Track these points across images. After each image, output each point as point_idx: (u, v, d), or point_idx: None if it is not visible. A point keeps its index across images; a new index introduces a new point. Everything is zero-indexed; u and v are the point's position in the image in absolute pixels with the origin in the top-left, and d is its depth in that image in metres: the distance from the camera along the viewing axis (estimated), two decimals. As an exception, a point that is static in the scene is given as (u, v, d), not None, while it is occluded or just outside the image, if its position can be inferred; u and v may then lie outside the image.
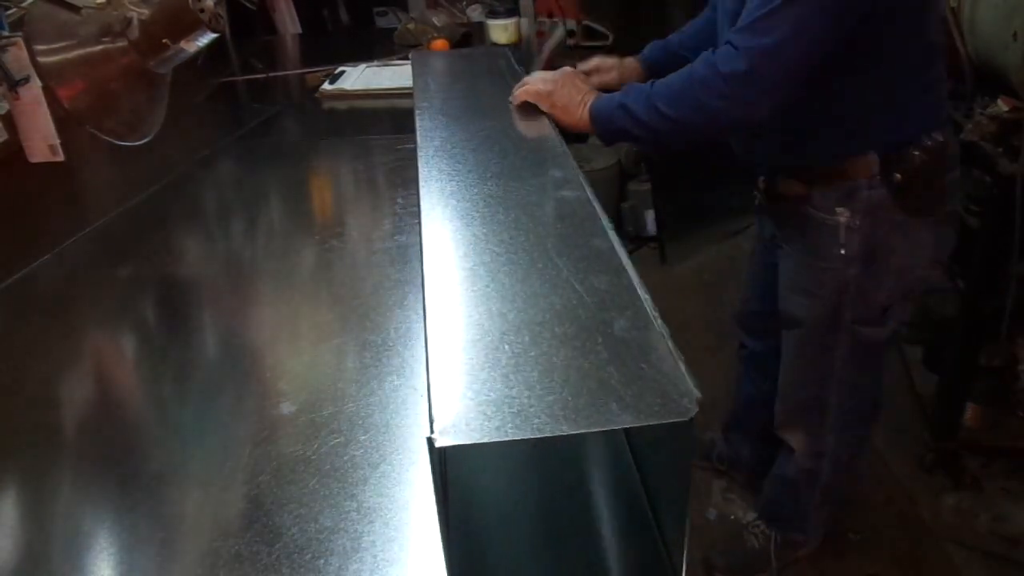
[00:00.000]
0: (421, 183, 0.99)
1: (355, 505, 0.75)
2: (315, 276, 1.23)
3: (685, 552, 0.62)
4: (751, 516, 1.89)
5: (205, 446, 0.87)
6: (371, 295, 1.11)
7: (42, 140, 1.13)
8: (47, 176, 1.18)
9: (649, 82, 1.23)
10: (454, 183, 0.99)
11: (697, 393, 0.58)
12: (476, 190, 0.96)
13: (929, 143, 1.24)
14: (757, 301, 1.72)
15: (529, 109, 1.29)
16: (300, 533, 0.73)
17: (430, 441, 0.55)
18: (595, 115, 1.25)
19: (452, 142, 1.13)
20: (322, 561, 0.70)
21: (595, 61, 1.54)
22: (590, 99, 1.27)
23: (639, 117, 1.20)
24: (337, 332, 1.04)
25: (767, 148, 1.37)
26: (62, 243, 1.34)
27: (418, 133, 1.17)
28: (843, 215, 1.27)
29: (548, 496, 0.78)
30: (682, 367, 0.61)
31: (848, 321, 1.36)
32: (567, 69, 1.36)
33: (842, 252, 1.29)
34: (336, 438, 0.84)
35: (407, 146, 1.54)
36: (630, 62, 1.54)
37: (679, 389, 0.59)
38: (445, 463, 0.59)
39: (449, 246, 0.85)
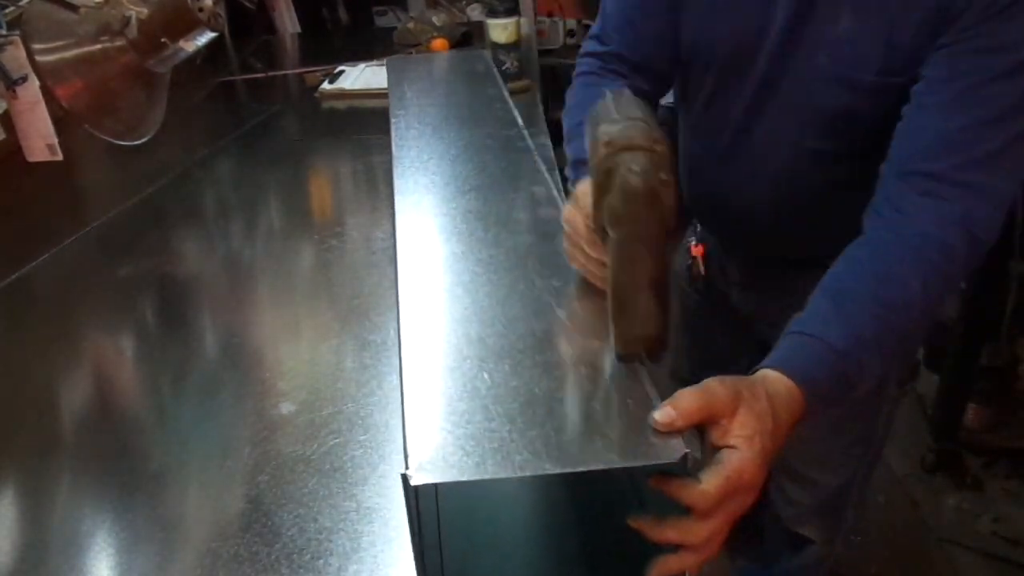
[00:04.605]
0: (396, 196, 0.95)
1: (355, 505, 0.75)
2: (315, 276, 1.22)
3: None
4: None
5: (205, 446, 0.87)
6: (371, 295, 1.10)
7: (40, 139, 1.13)
8: (46, 175, 1.18)
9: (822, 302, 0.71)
10: (431, 196, 0.95)
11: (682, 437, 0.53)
12: (454, 204, 0.92)
13: None
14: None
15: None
16: (300, 533, 0.73)
17: (404, 478, 0.52)
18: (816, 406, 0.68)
19: (428, 153, 1.07)
20: (322, 561, 0.70)
21: None
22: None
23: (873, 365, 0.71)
24: (337, 332, 1.04)
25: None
26: (61, 243, 1.34)
27: (393, 143, 1.12)
28: None
29: (550, 526, 0.74)
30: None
31: (894, 382, 1.16)
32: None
33: None
34: (336, 438, 0.84)
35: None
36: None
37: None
38: (418, 499, 0.55)
39: (425, 263, 0.81)
